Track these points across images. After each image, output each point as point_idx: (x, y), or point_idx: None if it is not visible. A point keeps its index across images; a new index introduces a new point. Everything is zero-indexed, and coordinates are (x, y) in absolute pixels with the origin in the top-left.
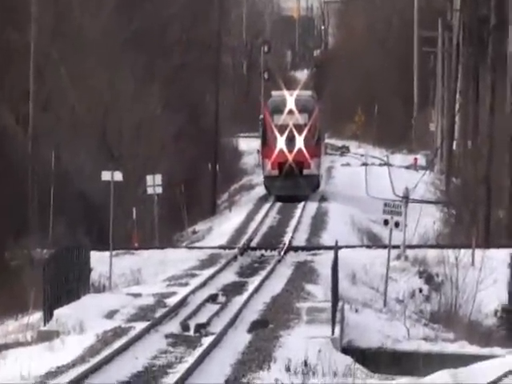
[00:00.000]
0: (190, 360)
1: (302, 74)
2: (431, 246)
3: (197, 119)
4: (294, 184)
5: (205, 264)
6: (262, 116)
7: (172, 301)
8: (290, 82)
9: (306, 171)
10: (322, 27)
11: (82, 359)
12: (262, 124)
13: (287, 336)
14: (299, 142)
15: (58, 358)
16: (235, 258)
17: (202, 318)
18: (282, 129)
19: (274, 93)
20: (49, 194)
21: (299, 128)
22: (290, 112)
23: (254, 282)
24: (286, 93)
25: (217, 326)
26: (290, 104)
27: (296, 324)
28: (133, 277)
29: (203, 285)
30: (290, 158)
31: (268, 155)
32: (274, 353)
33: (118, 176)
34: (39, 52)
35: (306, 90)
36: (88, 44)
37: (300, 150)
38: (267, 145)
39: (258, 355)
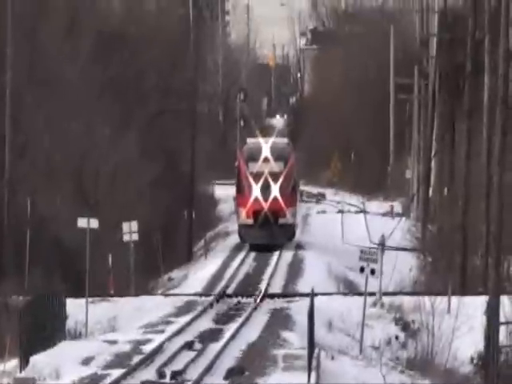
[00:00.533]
0: None
1: (278, 122)
2: (407, 293)
3: (173, 166)
4: (269, 233)
5: (181, 311)
6: (237, 163)
7: (148, 348)
8: (265, 130)
9: (281, 220)
10: (298, 74)
11: None
12: (237, 172)
13: (263, 383)
14: (275, 190)
15: None
16: (211, 305)
17: (178, 365)
18: (257, 177)
19: (248, 140)
20: (24, 240)
21: (275, 176)
22: (266, 160)
23: (230, 329)
24: (261, 140)
25: (193, 373)
26: (266, 151)
27: (272, 371)
28: (109, 324)
29: (179, 332)
30: (266, 206)
31: (243, 203)
32: None
33: (94, 223)
34: (15, 97)
35: (281, 138)
36: (64, 90)
37: (275, 199)
38: (242, 193)
39: None
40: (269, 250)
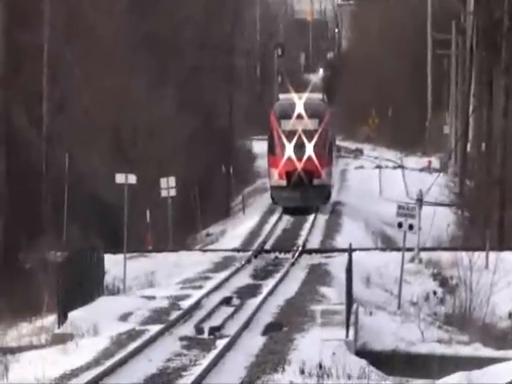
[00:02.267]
0: (205, 363)
1: (316, 77)
2: (445, 249)
3: (211, 121)
4: (303, 195)
5: (219, 267)
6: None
7: (186, 303)
8: (301, 85)
9: (316, 181)
10: (336, 30)
11: (96, 362)
12: (269, 130)
13: (301, 339)
14: (309, 149)
15: (72, 361)
16: (249, 260)
17: (216, 320)
18: (290, 135)
19: (281, 96)
20: (62, 196)
21: (309, 134)
22: (299, 116)
23: (268, 285)
24: (294, 96)
25: (231, 329)
26: (299, 108)
27: (310, 326)
28: (147, 279)
29: (217, 287)
30: (299, 166)
31: (275, 164)
32: (288, 355)
33: (132, 179)
34: (52, 53)
35: (316, 93)
36: (101, 45)
37: (310, 158)
38: (274, 152)
39: (272, 358)
40: (303, 213)
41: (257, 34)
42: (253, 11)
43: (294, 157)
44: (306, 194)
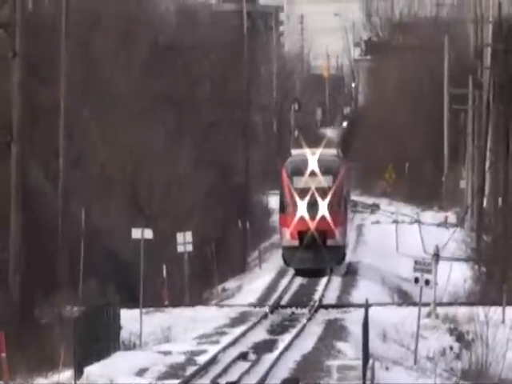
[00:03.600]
0: None
1: (332, 132)
2: (462, 304)
3: (227, 177)
4: (316, 256)
5: (235, 322)
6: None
7: (202, 359)
8: (317, 140)
9: (330, 241)
10: (352, 85)
11: None
12: (280, 187)
13: None
14: (322, 207)
15: None
16: (266, 315)
17: (232, 376)
18: (302, 193)
19: (293, 151)
20: (79, 251)
21: (322, 192)
22: (312, 173)
23: (284, 340)
24: (307, 151)
25: None
26: (312, 164)
27: (326, 382)
28: (163, 334)
29: (234, 342)
30: (312, 226)
31: (287, 223)
32: None
33: (149, 233)
34: (69, 109)
35: (330, 149)
36: (118, 101)
37: (323, 217)
38: (286, 211)
39: None
40: (316, 276)
41: (273, 89)
42: (270, 67)
43: (306, 216)
44: (320, 255)
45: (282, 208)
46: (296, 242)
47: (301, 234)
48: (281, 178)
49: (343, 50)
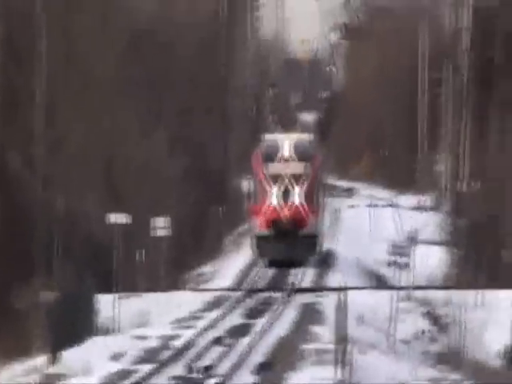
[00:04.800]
0: None
1: (309, 117)
2: (438, 287)
3: (204, 161)
4: (289, 246)
5: (211, 306)
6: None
7: (178, 343)
8: (291, 125)
9: (303, 231)
10: (330, 69)
11: None
12: (252, 173)
13: (293, 378)
14: (296, 195)
15: None
16: (241, 300)
17: (207, 360)
18: (275, 179)
19: (266, 136)
20: (55, 236)
21: (296, 178)
22: (286, 159)
23: (259, 324)
24: (281, 136)
25: (222, 368)
26: (286, 149)
27: (302, 365)
28: (138, 319)
29: (209, 327)
30: (286, 214)
31: (258, 211)
32: None
33: (125, 218)
34: (46, 94)
35: (305, 133)
36: (94, 85)
37: (297, 206)
38: (258, 198)
39: None
40: (289, 267)
41: (250, 74)
42: (246, 51)
43: (279, 204)
44: (293, 245)
45: (254, 195)
46: (267, 232)
47: (273, 223)
48: (253, 163)
49: (321, 34)
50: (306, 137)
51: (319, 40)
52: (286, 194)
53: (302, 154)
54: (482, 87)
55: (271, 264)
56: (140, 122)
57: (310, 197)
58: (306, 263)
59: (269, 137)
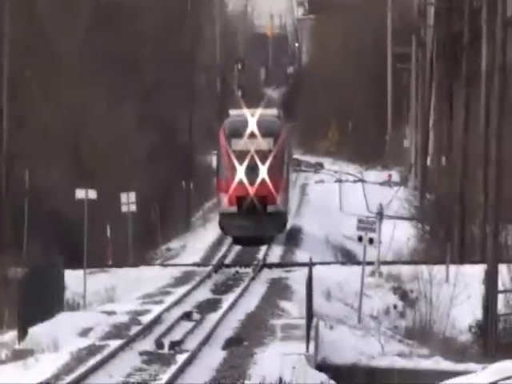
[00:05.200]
0: (165, 377)
1: (275, 92)
2: (405, 263)
3: (171, 137)
4: (255, 223)
5: (179, 282)
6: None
7: (146, 318)
8: (257, 100)
9: (270, 207)
10: (296, 44)
11: (56, 377)
12: (217, 149)
13: (262, 353)
14: (263, 171)
15: (32, 377)
16: (209, 275)
17: (176, 335)
18: (241, 156)
19: (231, 112)
20: (23, 212)
21: (263, 155)
22: (252, 135)
23: (228, 300)
24: (246, 112)
25: (191, 344)
26: (251, 126)
27: (270, 341)
28: (107, 295)
29: (177, 302)
30: (252, 191)
31: (224, 188)
32: (248, 370)
33: (92, 194)
34: (12, 70)
35: (271, 109)
36: (61, 61)
37: (264, 182)
38: (223, 175)
39: (232, 372)
40: (255, 244)
41: (217, 49)
42: (212, 26)
43: (245, 180)
44: (259, 222)
45: (220, 172)
46: (234, 209)
47: (239, 200)
48: (218, 139)
49: (287, 10)
50: (271, 112)
51: (285, 15)
52: (252, 171)
53: (267, 129)
54: (448, 63)
55: (238, 241)
56: (107, 97)
57: (278, 173)
58: (274, 240)
59: (234, 112)
